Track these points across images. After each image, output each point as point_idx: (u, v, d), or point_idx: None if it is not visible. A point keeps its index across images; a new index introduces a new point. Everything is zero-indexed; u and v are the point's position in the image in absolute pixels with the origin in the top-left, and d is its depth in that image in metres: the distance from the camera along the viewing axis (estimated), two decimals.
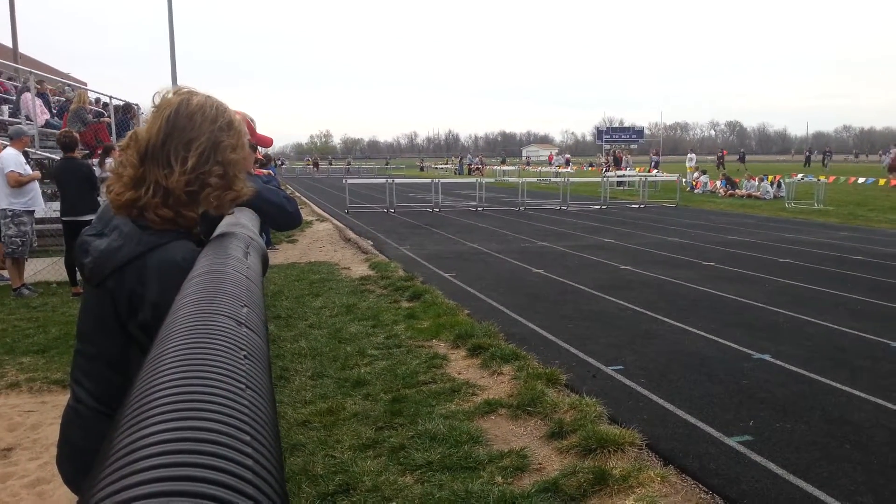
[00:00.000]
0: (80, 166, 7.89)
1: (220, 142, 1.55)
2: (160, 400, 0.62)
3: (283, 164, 69.84)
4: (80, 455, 1.64)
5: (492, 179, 34.95)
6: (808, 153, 61.24)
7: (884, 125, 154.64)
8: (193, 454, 0.52)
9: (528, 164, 60.12)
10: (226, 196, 1.58)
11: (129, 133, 1.64)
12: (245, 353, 0.77)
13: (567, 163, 37.73)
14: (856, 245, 12.12)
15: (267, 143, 3.12)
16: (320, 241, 13.19)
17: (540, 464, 3.70)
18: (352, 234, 13.79)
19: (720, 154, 45.80)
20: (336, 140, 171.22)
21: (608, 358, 5.43)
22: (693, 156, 34.93)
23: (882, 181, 25.49)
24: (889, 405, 4.41)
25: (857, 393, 4.64)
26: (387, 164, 77.37)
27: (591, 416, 4.11)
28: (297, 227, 3.40)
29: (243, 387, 0.67)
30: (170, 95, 1.57)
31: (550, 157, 64.68)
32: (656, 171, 32.98)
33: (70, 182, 7.86)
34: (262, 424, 0.62)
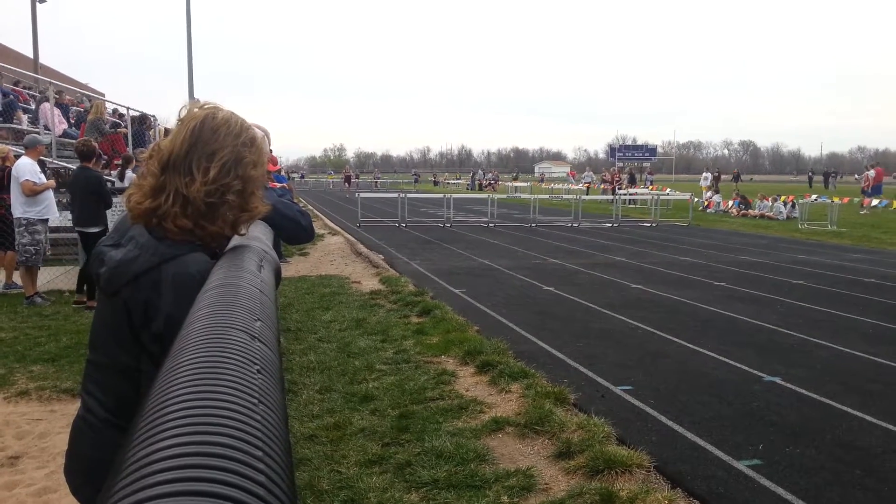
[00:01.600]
0: (91, 178, 7.90)
1: (242, 157, 1.57)
2: (173, 414, 0.62)
3: (302, 177, 68.63)
4: (89, 466, 1.64)
5: (504, 195, 34.98)
6: (810, 174, 60.47)
7: None
8: (206, 469, 0.53)
9: (542, 180, 59.81)
10: (242, 216, 1.60)
11: (153, 144, 1.68)
12: (258, 367, 0.77)
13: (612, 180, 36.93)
14: (869, 267, 12.02)
15: (273, 161, 3.15)
16: (332, 255, 13.23)
17: (546, 484, 3.67)
18: (363, 248, 13.82)
19: (716, 174, 45.52)
20: (349, 154, 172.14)
21: (617, 378, 5.40)
22: (708, 175, 34.38)
23: (895, 204, 25.31)
24: (895, 428, 4.36)
25: (868, 418, 4.59)
26: (416, 181, 74.24)
27: (598, 436, 4.08)
28: (310, 241, 3.42)
29: (256, 401, 0.67)
30: (196, 109, 1.61)
31: (572, 173, 64.14)
32: (669, 189, 32.94)
33: (78, 192, 7.91)
34: (275, 439, 0.62)
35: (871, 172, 29.95)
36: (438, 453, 3.93)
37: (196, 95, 22.16)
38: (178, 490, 0.50)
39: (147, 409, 0.68)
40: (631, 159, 46.19)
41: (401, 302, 8.20)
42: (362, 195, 22.81)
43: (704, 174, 34.83)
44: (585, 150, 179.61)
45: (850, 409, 4.74)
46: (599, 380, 5.36)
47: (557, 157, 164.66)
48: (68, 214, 8.69)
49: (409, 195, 23.82)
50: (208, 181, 1.52)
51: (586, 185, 39.50)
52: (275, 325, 1.09)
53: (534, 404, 4.64)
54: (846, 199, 25.41)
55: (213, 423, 0.60)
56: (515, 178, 67.33)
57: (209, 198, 1.53)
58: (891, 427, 4.43)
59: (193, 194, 1.51)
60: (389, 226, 19.72)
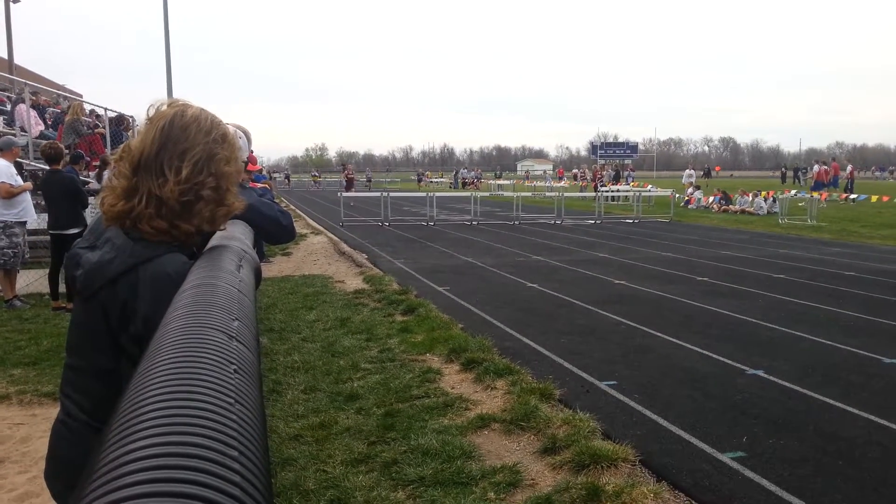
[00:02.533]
0: (64, 180, 7.81)
1: (214, 154, 1.55)
2: (148, 414, 0.61)
3: (287, 177, 63.42)
4: (69, 470, 1.62)
5: (487, 193, 35.02)
6: (783, 169, 61.09)
7: (876, 142, 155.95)
8: (180, 469, 0.52)
9: (527, 177, 59.60)
10: (219, 211, 1.58)
11: (122, 145, 1.65)
12: (235, 367, 0.76)
13: (594, 178, 36.75)
14: (849, 261, 12.17)
15: (253, 161, 3.13)
16: (315, 255, 13.17)
17: (533, 479, 3.68)
18: (346, 248, 13.78)
19: (706, 168, 46.19)
20: (332, 153, 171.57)
21: (602, 373, 5.42)
22: (692, 172, 34.68)
23: (874, 198, 25.64)
24: (882, 421, 4.41)
25: (850, 409, 4.64)
26: (419, 181, 64.27)
27: (584, 431, 4.10)
28: (292, 241, 3.41)
29: (232, 401, 0.66)
30: (164, 108, 1.58)
31: (560, 172, 64.28)
32: (650, 185, 33.19)
33: (54, 195, 7.83)
34: (251, 439, 0.61)
35: (816, 168, 31.21)
36: (425, 451, 3.93)
37: (175, 95, 21.98)
38: (152, 491, 0.49)
39: (122, 409, 0.67)
40: (612, 156, 46.44)
41: (385, 301, 8.19)
42: (345, 194, 22.74)
43: (688, 171, 35.06)
44: (567, 148, 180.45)
45: (831, 401, 4.80)
46: (584, 375, 5.38)
47: (540, 155, 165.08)
48: (44, 216, 8.59)
49: (392, 194, 23.81)
50: (181, 180, 1.49)
51: (583, 183, 39.42)
52: (254, 325, 1.08)
53: (519, 401, 4.65)
54: (825, 195, 25.70)
55: (187, 423, 0.59)
56: (498, 177, 67.34)
57: (183, 197, 1.50)
58: (872, 417, 4.48)
59: (167, 195, 1.49)
60: (373, 225, 19.68)
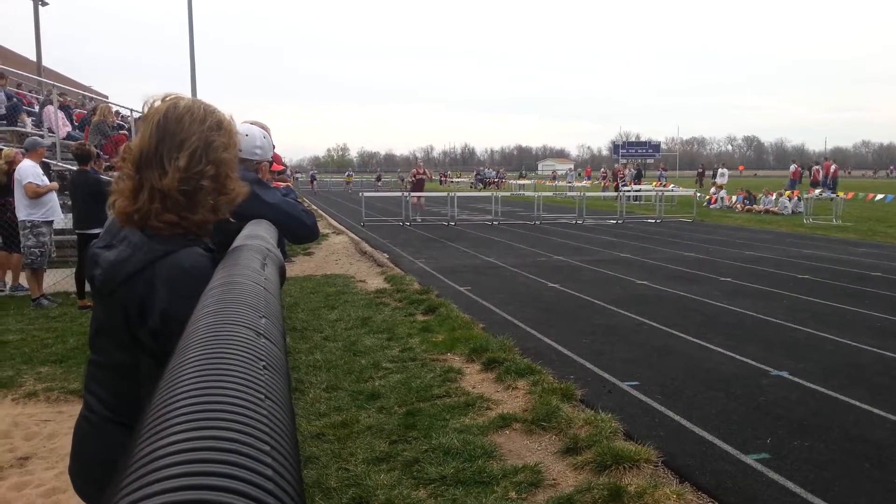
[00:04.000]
0: (90, 180, 7.92)
1: (211, 141, 1.57)
2: (179, 410, 0.62)
3: (313, 178, 57.51)
4: (92, 465, 1.65)
5: (508, 193, 34.95)
6: (800, 169, 60.10)
7: None
8: (213, 463, 0.52)
9: (554, 178, 58.56)
10: (222, 199, 1.60)
11: (123, 146, 1.68)
12: (264, 363, 0.77)
13: (615, 177, 35.97)
14: (875, 261, 11.98)
15: (277, 161, 3.16)
16: (336, 254, 13.24)
17: (554, 479, 3.67)
18: (367, 247, 13.83)
19: (700, 170, 45.11)
20: (353, 153, 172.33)
21: (624, 373, 5.39)
22: (725, 171, 33.83)
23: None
24: None
25: (876, 411, 4.57)
26: (441, 181, 63.65)
27: (606, 431, 4.08)
28: (315, 241, 3.43)
29: (262, 397, 0.67)
30: (157, 103, 1.61)
31: (588, 171, 63.28)
32: (672, 185, 32.86)
33: (79, 195, 7.94)
34: (282, 435, 0.62)
35: (792, 167, 31.92)
36: (446, 450, 3.94)
37: (199, 96, 22.22)
38: (187, 484, 0.50)
39: (153, 405, 0.68)
40: (634, 156, 46.16)
41: (406, 300, 8.21)
42: (366, 194, 22.81)
43: (721, 171, 34.25)
44: (589, 148, 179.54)
45: (857, 403, 4.73)
46: (606, 375, 5.36)
47: (561, 155, 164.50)
48: (72, 216, 8.72)
49: (412, 193, 23.84)
50: (180, 171, 1.52)
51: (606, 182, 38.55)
52: (280, 323, 1.09)
53: (540, 400, 4.64)
54: (850, 195, 25.32)
55: (219, 419, 0.60)
56: (523, 176, 66.93)
57: (184, 186, 1.52)
58: (889, 416, 4.41)
59: (168, 187, 1.51)
60: (394, 225, 19.73)
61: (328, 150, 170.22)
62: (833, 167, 32.06)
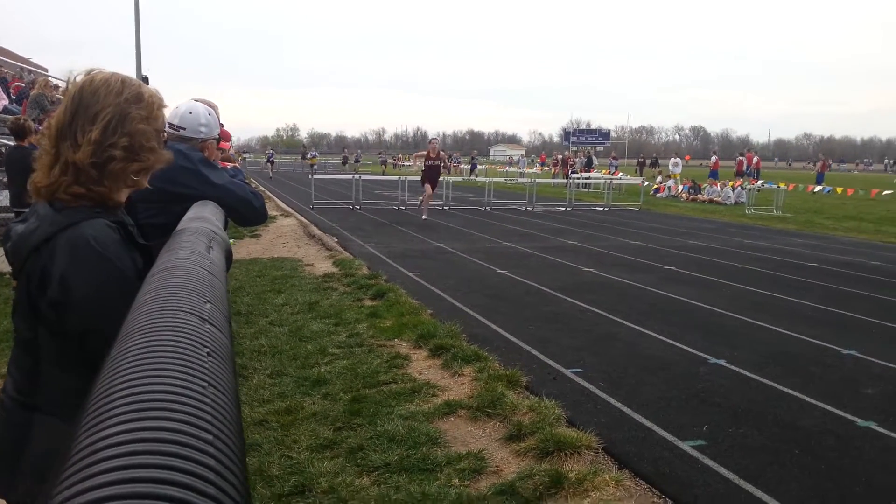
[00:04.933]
0: (26, 155, 7.64)
1: (127, 113, 1.55)
2: (120, 400, 0.61)
3: (270, 160, 46.57)
4: (2, 448, 1.60)
5: (459, 178, 35.00)
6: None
7: (843, 134, 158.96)
8: (154, 454, 0.51)
9: (510, 164, 58.12)
10: (131, 167, 1.57)
11: (45, 122, 1.66)
12: (208, 350, 0.76)
13: (564, 164, 35.95)
14: (812, 252, 12.42)
15: (226, 137, 3.09)
16: (284, 237, 13.06)
17: (497, 466, 3.71)
18: (316, 231, 13.68)
19: (641, 159, 46.13)
20: (303, 134, 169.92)
21: (568, 360, 5.48)
22: (678, 160, 34.26)
23: (839, 189, 26.17)
24: (838, 411, 4.53)
25: (807, 399, 4.75)
26: (383, 165, 53.77)
27: (549, 418, 4.14)
28: (263, 223, 3.37)
29: (206, 385, 0.66)
30: (79, 78, 1.59)
31: (543, 157, 62.93)
32: (621, 174, 33.42)
33: (15, 171, 7.65)
34: (225, 423, 0.61)
35: (713, 158, 33.52)
36: (391, 437, 3.94)
37: (145, 73, 21.55)
38: (127, 478, 0.49)
39: (93, 395, 0.67)
40: (585, 143, 46.66)
41: (354, 285, 8.16)
42: (316, 176, 22.54)
43: (673, 160, 34.74)
44: (540, 134, 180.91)
45: (790, 391, 4.90)
46: (551, 362, 5.43)
47: (513, 140, 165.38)
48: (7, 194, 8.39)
49: (364, 177, 23.68)
50: (92, 143, 1.50)
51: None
52: (226, 308, 1.07)
53: (486, 387, 4.68)
54: (792, 186, 26.16)
55: (160, 408, 0.59)
56: (473, 171, 66.70)
57: (94, 158, 1.51)
58: (828, 408, 4.60)
59: (80, 160, 1.50)
60: (343, 208, 19.56)
61: (277, 131, 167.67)
62: (756, 158, 33.59)
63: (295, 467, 3.61)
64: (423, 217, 16.31)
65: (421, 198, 17.06)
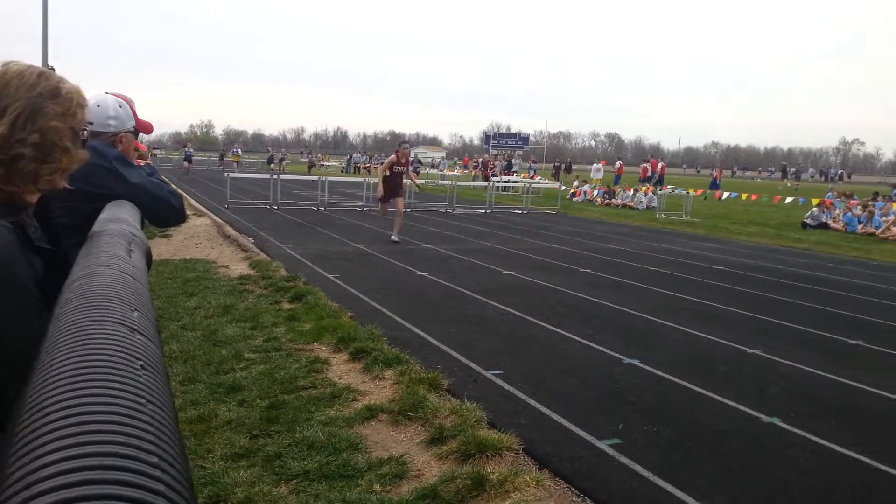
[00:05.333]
0: None
1: (41, 107, 1.44)
2: (52, 424, 0.56)
3: (188, 158, 41.79)
4: None
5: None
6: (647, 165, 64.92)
7: (747, 143, 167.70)
8: (99, 484, 0.47)
9: (433, 166, 57.88)
10: (43, 168, 1.48)
11: None
12: (142, 362, 0.71)
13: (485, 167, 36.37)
14: (719, 256, 12.99)
15: (147, 128, 2.94)
16: (197, 237, 12.64)
17: (419, 470, 3.68)
18: (231, 231, 13.31)
19: (557, 164, 47.96)
20: (218, 131, 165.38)
21: (489, 362, 5.51)
22: (600, 166, 35.15)
23: (744, 196, 27.50)
24: (745, 409, 4.73)
25: (716, 397, 4.94)
26: (270, 162, 50.31)
27: (470, 421, 4.15)
28: (181, 224, 3.23)
29: (144, 401, 0.62)
30: None
31: (465, 161, 62.30)
32: (539, 178, 34.13)
33: None
34: (169, 443, 0.57)
35: (618, 163, 35.69)
36: (310, 444, 3.85)
37: (51, 62, 20.47)
38: None
39: (21, 418, 0.61)
40: (504, 147, 47.34)
41: (272, 287, 7.97)
42: (232, 175, 21.96)
43: (595, 166, 35.64)
44: (461, 137, 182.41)
45: (700, 390, 5.09)
46: (472, 365, 5.45)
47: (434, 143, 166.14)
48: None
49: (282, 176, 23.24)
50: (0, 138, 1.40)
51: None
52: (153, 315, 1.01)
53: (407, 391, 4.65)
54: (699, 192, 27.32)
55: (98, 431, 0.54)
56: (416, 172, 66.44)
57: (1, 155, 1.40)
58: (736, 405, 4.79)
59: None
60: (260, 208, 19.12)
61: (191, 127, 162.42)
62: (660, 164, 35.32)
63: (209, 477, 3.47)
64: (394, 237, 12.87)
65: (393, 209, 13.31)
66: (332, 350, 5.67)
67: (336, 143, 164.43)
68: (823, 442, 4.23)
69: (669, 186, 28.22)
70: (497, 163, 36.90)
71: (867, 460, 3.99)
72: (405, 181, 13.60)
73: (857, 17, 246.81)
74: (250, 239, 12.30)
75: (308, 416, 4.26)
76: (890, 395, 5.15)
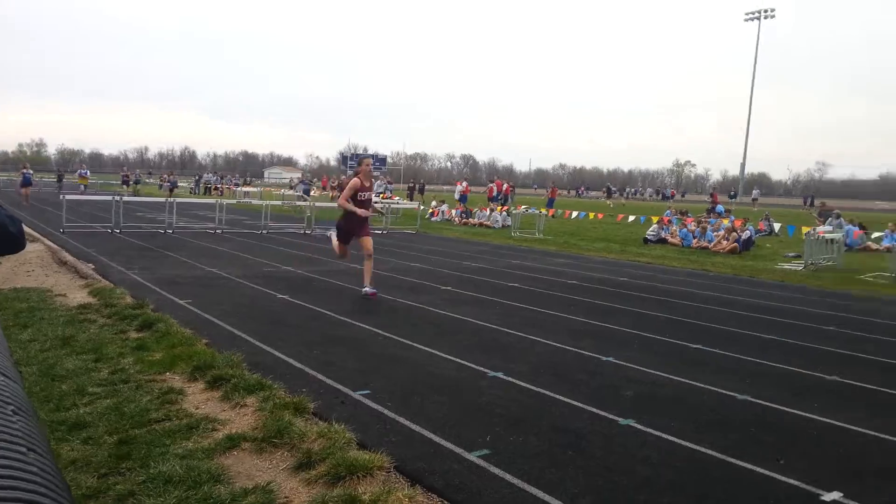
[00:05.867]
0: None
1: None
2: None
3: (27, 182, 30.74)
4: None
5: (233, 200, 33.68)
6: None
7: (592, 165, 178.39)
8: None
9: (292, 186, 55.91)
10: None
11: None
12: (13, 407, 0.63)
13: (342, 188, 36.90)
14: (571, 270, 13.65)
15: None
16: (29, 265, 11.56)
17: (287, 497, 3.54)
18: (68, 257, 12.29)
19: (411, 184, 49.12)
20: (51, 150, 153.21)
21: (356, 383, 5.42)
22: (460, 186, 36.14)
23: (591, 215, 29.15)
24: (602, 413, 4.96)
25: (577, 403, 5.15)
26: (125, 184, 47.72)
27: (339, 442, 4.05)
28: (20, 251, 2.89)
29: (25, 450, 0.54)
30: None
31: (324, 182, 58.79)
32: (398, 198, 34.41)
33: None
34: (56, 491, 0.51)
35: (464, 184, 36.99)
36: (167, 479, 3.59)
37: None
38: None
39: None
40: None
41: (116, 316, 7.42)
42: (68, 196, 20.33)
43: (459, 187, 36.44)
44: (318, 157, 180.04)
45: (561, 397, 5.28)
46: (339, 386, 5.34)
47: (289, 163, 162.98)
48: None
49: (125, 198, 21.85)
50: None
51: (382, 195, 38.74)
52: (7, 351, 0.90)
53: (271, 417, 4.47)
54: (552, 211, 28.65)
55: None
56: (247, 183, 64.61)
57: None
58: (594, 410, 5.01)
59: None
60: (100, 232, 17.84)
61: (20, 146, 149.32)
62: (505, 185, 37.54)
63: None
64: (366, 290, 9.49)
65: (359, 252, 9.89)
66: (187, 379, 5.35)
67: (184, 163, 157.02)
68: (673, 438, 4.51)
69: (524, 206, 29.36)
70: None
71: (710, 452, 4.30)
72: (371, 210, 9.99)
73: (689, 45, 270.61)
74: (90, 265, 11.41)
75: (163, 450, 3.98)
76: (726, 392, 5.60)
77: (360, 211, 9.35)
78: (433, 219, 29.34)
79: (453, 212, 29.07)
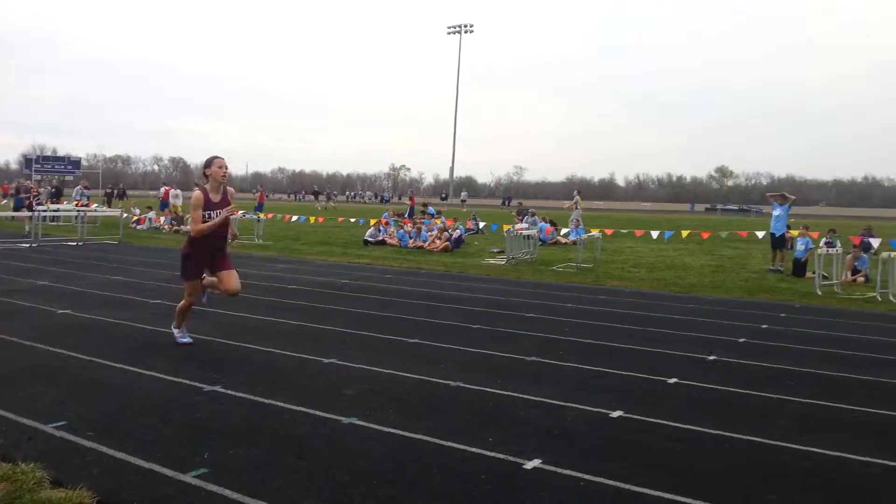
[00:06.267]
0: None
1: None
2: None
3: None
4: None
5: None
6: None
7: (311, 168, 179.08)
8: None
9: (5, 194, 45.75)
10: None
11: None
12: None
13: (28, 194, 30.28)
14: (292, 276, 13.55)
15: None
16: None
17: None
18: None
19: (108, 189, 44.13)
20: None
21: (48, 415, 4.82)
22: (178, 192, 32.47)
23: (312, 219, 29.17)
24: (325, 414, 5.01)
25: (298, 408, 5.15)
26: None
27: (29, 484, 3.58)
28: None
29: None
30: None
31: (6, 188, 47.99)
32: (96, 205, 31.14)
33: None
34: None
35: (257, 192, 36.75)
36: None
37: None
38: None
39: None
40: (52, 172, 42.13)
41: None
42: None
43: (174, 192, 33.26)
44: None
45: (282, 404, 5.24)
46: (26, 421, 4.70)
47: None
48: None
49: None
50: None
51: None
52: None
53: None
54: (271, 215, 28.13)
55: None
56: None
57: None
58: (316, 412, 5.05)
59: None
60: None
61: None
62: (260, 192, 36.45)
63: None
64: (179, 335, 7.25)
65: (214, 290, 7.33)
66: None
67: None
68: (393, 430, 4.73)
69: (241, 211, 28.41)
70: (42, 189, 32.50)
71: (427, 438, 4.60)
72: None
73: (398, 55, 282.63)
74: None
75: None
76: (441, 381, 6.02)
77: (214, 223, 6.71)
78: (139, 227, 27.13)
79: (162, 219, 27.16)
